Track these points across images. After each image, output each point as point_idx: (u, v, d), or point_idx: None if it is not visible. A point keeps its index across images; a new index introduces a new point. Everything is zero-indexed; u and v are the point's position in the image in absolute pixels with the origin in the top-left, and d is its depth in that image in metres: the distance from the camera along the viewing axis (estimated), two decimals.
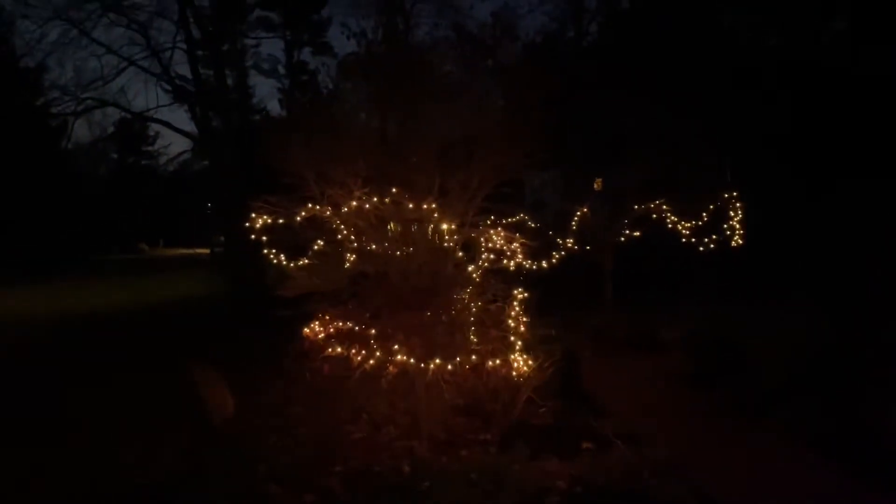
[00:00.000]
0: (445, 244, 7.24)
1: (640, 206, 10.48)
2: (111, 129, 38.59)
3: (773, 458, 5.10)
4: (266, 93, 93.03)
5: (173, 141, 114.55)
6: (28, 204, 29.35)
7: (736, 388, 6.61)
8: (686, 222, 10.24)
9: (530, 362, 6.01)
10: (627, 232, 10.56)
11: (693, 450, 5.37)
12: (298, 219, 7.00)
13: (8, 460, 5.34)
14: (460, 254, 7.28)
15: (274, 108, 25.02)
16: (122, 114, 23.32)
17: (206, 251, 36.16)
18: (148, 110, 21.26)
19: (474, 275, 6.98)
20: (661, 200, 10.34)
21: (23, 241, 28.62)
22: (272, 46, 67.03)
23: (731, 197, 10.55)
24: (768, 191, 12.56)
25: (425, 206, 6.84)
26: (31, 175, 29.42)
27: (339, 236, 7.26)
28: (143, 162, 52.06)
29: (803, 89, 13.70)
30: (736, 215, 10.50)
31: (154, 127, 41.21)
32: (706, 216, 10.30)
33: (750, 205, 10.65)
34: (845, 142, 12.76)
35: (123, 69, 19.58)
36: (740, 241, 10.38)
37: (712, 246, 10.18)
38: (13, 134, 28.82)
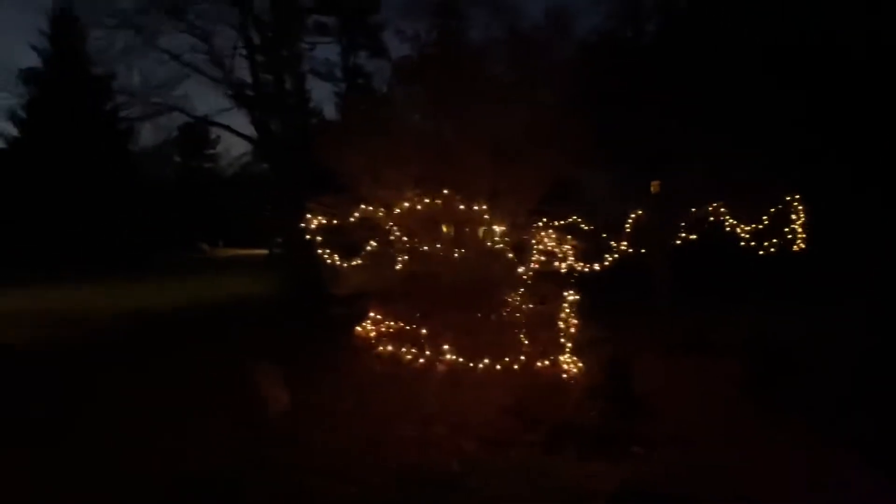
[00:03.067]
0: (496, 245, 7.28)
1: (697, 208, 10.27)
2: (175, 133, 40.00)
3: (823, 465, 4.93)
4: (322, 96, 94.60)
5: (233, 144, 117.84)
6: (97, 204, 30.70)
7: (790, 395, 6.42)
8: (745, 225, 9.97)
9: (580, 364, 5.98)
10: (683, 235, 10.35)
11: (743, 455, 5.24)
12: (352, 219, 7.17)
13: (83, 445, 5.63)
14: (511, 255, 7.31)
15: (330, 111, 25.47)
16: (186, 118, 24.04)
17: (264, 252, 36.97)
18: (210, 114, 21.98)
19: (524, 276, 7.00)
20: (720, 203, 10.10)
21: (91, 239, 29.93)
22: (328, 51, 68.27)
23: (793, 199, 10.20)
24: (832, 194, 12.12)
25: (476, 207, 6.91)
26: (99, 176, 30.77)
27: (392, 237, 7.40)
28: (205, 165, 53.83)
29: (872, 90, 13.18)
30: (798, 218, 10.16)
31: (215, 131, 42.44)
32: (767, 219, 10.00)
33: (813, 208, 10.30)
34: None
35: (186, 76, 20.27)
36: (802, 245, 10.04)
37: (773, 250, 9.88)
38: (84, 136, 30.21)
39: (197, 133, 47.24)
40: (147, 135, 53.84)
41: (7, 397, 7.26)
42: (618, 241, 9.60)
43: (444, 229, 7.52)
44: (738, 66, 14.01)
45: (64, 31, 31.88)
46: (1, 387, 7.84)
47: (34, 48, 33.20)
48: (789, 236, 10.03)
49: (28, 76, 31.67)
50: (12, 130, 33.35)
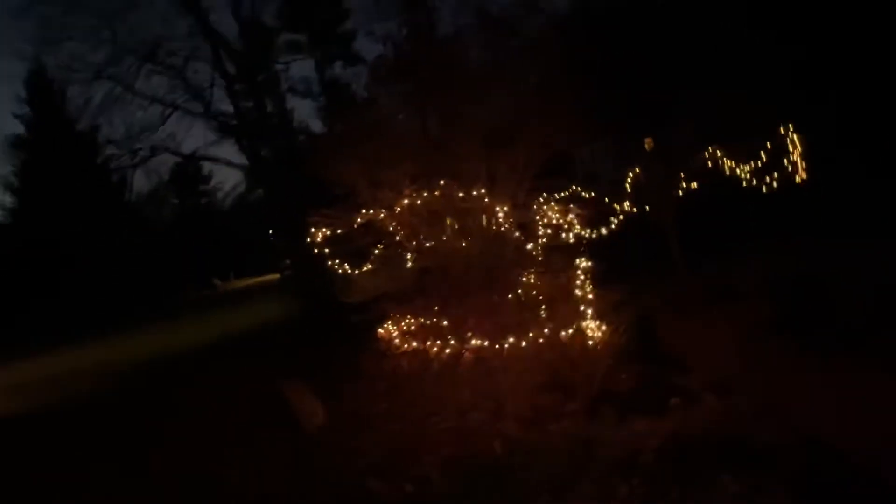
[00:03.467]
0: (501, 228, 7.29)
1: (693, 156, 10.22)
2: (167, 176, 40.16)
3: (866, 390, 4.89)
4: (306, 113, 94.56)
5: (227, 175, 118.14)
6: (102, 258, 30.95)
7: (821, 327, 6.36)
8: (744, 165, 9.91)
9: (604, 328, 5.99)
10: (684, 185, 10.31)
11: (783, 392, 5.24)
12: (355, 225, 7.19)
13: (138, 463, 5.78)
14: (517, 234, 7.32)
15: (317, 125, 25.47)
16: (176, 158, 24.17)
17: (276, 276, 37.10)
18: (198, 150, 22.09)
19: (534, 252, 7.01)
20: (715, 146, 10.05)
21: (103, 294, 30.15)
22: (304, 67, 68.16)
23: (787, 131, 10.12)
24: (826, 122, 12.02)
25: (475, 193, 6.91)
26: (100, 230, 31.01)
27: (397, 237, 7.42)
28: (202, 201, 53.99)
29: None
30: (796, 149, 10.08)
31: (207, 165, 42.62)
32: (764, 155, 9.94)
33: (810, 137, 10.22)
34: None
35: (169, 115, 20.36)
36: (804, 176, 9.97)
37: (775, 185, 9.82)
38: (79, 194, 30.41)
39: (189, 171, 47.24)
40: (140, 181, 54.16)
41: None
42: (620, 203, 9.59)
43: (448, 221, 7.53)
44: (708, 16, 13.91)
45: (41, 94, 32.11)
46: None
47: (16, 116, 33.48)
48: (790, 169, 9.96)
49: (15, 143, 31.94)
50: (8, 200, 33.69)
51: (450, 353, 5.97)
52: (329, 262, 7.47)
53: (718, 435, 4.43)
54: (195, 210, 52.60)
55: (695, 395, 5.29)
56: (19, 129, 33.80)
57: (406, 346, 6.53)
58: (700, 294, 9.09)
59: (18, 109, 33.61)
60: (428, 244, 7.34)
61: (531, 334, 5.71)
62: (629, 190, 10.21)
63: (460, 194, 6.95)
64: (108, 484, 5.93)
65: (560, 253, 6.91)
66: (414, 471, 4.84)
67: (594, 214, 8.43)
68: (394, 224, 7.19)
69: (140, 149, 21.05)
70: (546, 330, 5.83)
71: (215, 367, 11.80)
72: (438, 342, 6.12)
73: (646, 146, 12.68)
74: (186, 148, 22.38)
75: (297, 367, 8.38)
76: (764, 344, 6.69)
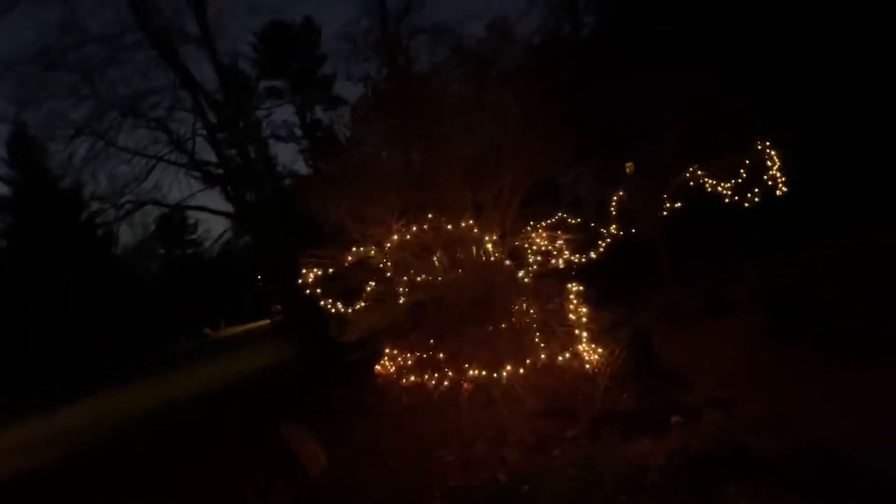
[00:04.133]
0: (491, 258, 7.36)
1: (674, 177, 10.41)
2: (153, 227, 40.07)
3: (866, 392, 4.94)
4: (289, 158, 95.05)
5: (213, 223, 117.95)
6: (91, 314, 30.72)
7: (816, 332, 6.42)
8: (725, 182, 10.10)
9: (600, 350, 6.02)
10: (668, 205, 10.46)
11: (784, 400, 5.25)
12: (346, 264, 7.22)
13: None
14: (508, 262, 7.39)
15: (301, 168, 25.69)
16: (161, 209, 24.12)
17: (267, 322, 36.87)
18: (183, 200, 22.04)
19: (525, 279, 7.06)
20: (696, 166, 10.25)
21: (94, 350, 29.86)
22: (285, 112, 68.84)
23: (765, 146, 10.34)
24: (802, 135, 12.27)
25: (463, 224, 6.99)
26: (87, 286, 30.82)
27: (388, 273, 7.45)
28: (189, 250, 53.86)
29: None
30: (774, 164, 10.29)
31: (193, 215, 42.64)
32: (744, 171, 10.14)
33: (786, 151, 10.44)
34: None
35: (152, 168, 20.30)
36: (784, 189, 10.16)
37: (757, 200, 10.00)
38: (65, 251, 30.27)
39: (175, 221, 47.34)
40: (126, 234, 53.93)
41: None
42: (607, 226, 9.72)
43: (438, 254, 7.58)
44: (682, 27, 14.25)
45: (24, 154, 32.14)
46: None
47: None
48: (770, 183, 10.15)
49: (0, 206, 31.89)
50: None
51: (448, 385, 5.96)
52: (322, 303, 7.48)
53: (722, 448, 4.43)
54: (182, 260, 52.44)
55: (696, 410, 5.29)
56: (2, 189, 33.81)
57: (405, 380, 6.52)
58: (693, 308, 9.14)
59: (1, 171, 33.66)
60: (419, 278, 7.38)
61: (528, 361, 5.73)
62: (614, 213, 10.35)
63: (448, 226, 7.03)
64: None
65: (551, 278, 6.98)
66: None
67: (582, 239, 8.54)
68: (384, 260, 7.22)
69: (125, 202, 20.97)
70: (543, 356, 5.85)
71: (214, 414, 11.69)
72: (436, 375, 6.12)
73: (627, 170, 12.90)
74: (172, 198, 22.20)
75: (296, 410, 8.31)
76: (760, 353, 6.72)
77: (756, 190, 10.00)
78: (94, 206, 24.45)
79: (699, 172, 10.21)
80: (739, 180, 10.10)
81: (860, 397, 4.91)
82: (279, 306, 24.97)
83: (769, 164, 10.31)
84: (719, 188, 10.10)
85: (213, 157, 20.69)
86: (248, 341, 31.77)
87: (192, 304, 47.49)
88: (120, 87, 19.36)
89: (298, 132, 26.86)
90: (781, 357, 6.36)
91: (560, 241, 7.80)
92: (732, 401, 5.35)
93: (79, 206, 30.94)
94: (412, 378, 6.40)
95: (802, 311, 6.79)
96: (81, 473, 10.06)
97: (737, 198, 10.03)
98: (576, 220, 9.25)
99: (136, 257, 42.06)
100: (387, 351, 7.12)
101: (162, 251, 52.40)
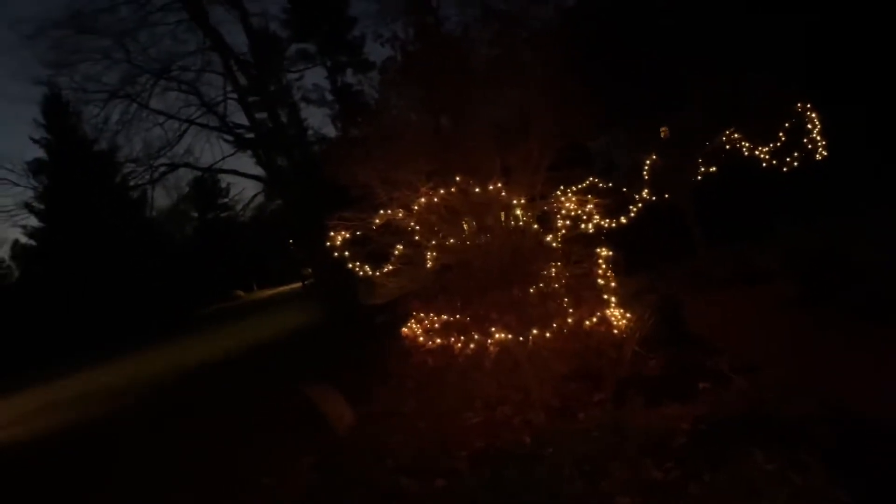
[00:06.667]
0: (520, 221, 7.29)
1: (710, 141, 10.14)
2: (187, 190, 40.65)
3: (894, 357, 4.84)
4: (320, 121, 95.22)
5: (246, 187, 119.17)
6: (127, 275, 31.47)
7: (845, 298, 6.29)
8: (763, 146, 9.81)
9: (628, 315, 5.96)
10: (702, 170, 10.22)
11: (811, 366, 5.18)
12: (374, 227, 7.22)
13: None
14: (536, 226, 7.31)
15: (331, 133, 25.62)
16: (194, 173, 24.34)
17: (298, 285, 37.30)
18: (215, 163, 22.19)
19: (554, 244, 6.99)
20: (731, 130, 9.96)
21: (130, 310, 30.65)
22: (316, 75, 68.78)
23: (805, 108, 10.00)
24: (843, 98, 11.83)
25: (491, 188, 6.91)
26: (123, 247, 31.52)
27: (416, 237, 7.43)
28: (221, 214, 54.56)
29: None
30: (814, 127, 9.95)
31: (225, 178, 43.04)
32: (783, 135, 9.83)
33: (828, 112, 10.08)
34: None
35: (185, 131, 20.42)
36: (824, 153, 9.84)
37: (795, 164, 9.71)
38: (101, 212, 30.91)
39: (208, 185, 47.83)
40: (160, 198, 54.86)
41: None
42: (639, 191, 9.54)
43: (466, 217, 7.53)
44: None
45: (58, 117, 32.65)
46: None
47: (34, 140, 34.08)
48: (809, 147, 9.84)
49: (35, 168, 32.50)
50: (34, 222, 34.30)
51: (474, 348, 5.97)
52: (350, 266, 7.51)
53: (749, 414, 4.39)
54: (215, 223, 53.16)
55: (723, 376, 5.25)
56: (38, 153, 34.47)
57: (431, 343, 6.54)
58: (723, 275, 9.02)
59: (35, 133, 34.27)
60: (447, 241, 7.34)
61: (555, 325, 5.70)
62: (647, 177, 10.15)
63: (476, 189, 6.95)
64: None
65: (580, 243, 6.89)
66: (444, 466, 4.86)
67: (613, 203, 8.40)
68: (412, 223, 7.20)
69: (158, 165, 21.19)
70: (570, 320, 5.81)
71: (245, 375, 11.95)
72: (463, 338, 6.12)
73: (661, 134, 12.62)
74: (204, 162, 22.32)
75: (324, 371, 8.45)
76: (789, 319, 6.66)
77: (795, 154, 9.71)
78: (129, 168, 24.78)
79: (735, 136, 9.92)
80: (778, 144, 9.80)
81: (889, 362, 4.82)
82: (309, 270, 25.21)
83: (809, 127, 9.98)
84: (756, 152, 9.82)
85: (244, 121, 20.72)
86: (280, 304, 32.30)
87: (224, 267, 48.29)
88: (151, 49, 19.42)
89: (329, 96, 26.72)
90: (810, 322, 6.29)
91: (590, 206, 7.68)
92: (761, 366, 5.30)
93: (113, 169, 31.37)
94: (438, 341, 6.42)
95: (832, 276, 6.67)
96: (123, 427, 10.59)
97: (774, 162, 9.75)
98: (607, 184, 9.10)
99: (170, 220, 42.80)
100: (413, 314, 7.13)
101: (195, 214, 53.24)
